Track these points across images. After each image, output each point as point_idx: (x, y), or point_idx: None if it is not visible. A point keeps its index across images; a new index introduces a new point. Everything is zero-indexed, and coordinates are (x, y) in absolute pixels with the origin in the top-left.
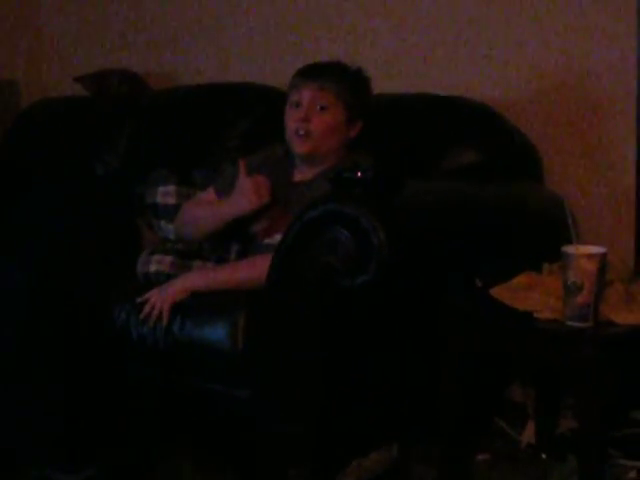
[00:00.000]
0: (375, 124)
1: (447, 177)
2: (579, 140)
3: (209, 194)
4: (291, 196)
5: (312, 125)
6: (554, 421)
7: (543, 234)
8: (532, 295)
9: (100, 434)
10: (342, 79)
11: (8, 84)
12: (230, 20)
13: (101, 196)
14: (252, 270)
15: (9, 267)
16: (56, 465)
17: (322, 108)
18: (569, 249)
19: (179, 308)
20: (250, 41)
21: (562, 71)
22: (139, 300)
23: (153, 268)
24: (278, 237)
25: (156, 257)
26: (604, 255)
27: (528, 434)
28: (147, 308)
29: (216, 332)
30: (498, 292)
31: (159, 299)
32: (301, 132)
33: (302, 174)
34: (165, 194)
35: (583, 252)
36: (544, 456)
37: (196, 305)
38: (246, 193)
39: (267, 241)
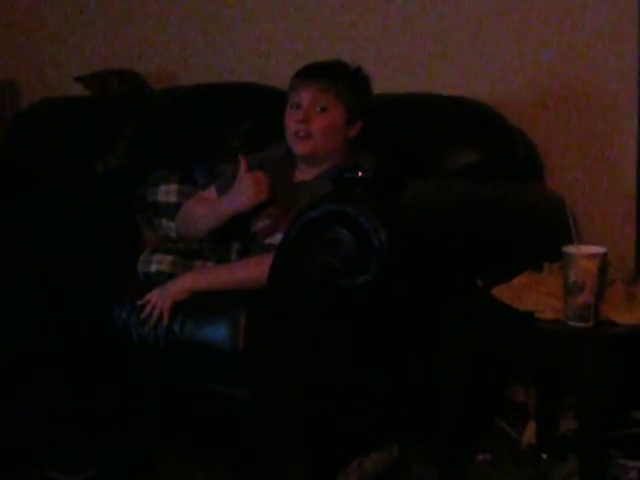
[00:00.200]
0: (376, 124)
1: (448, 177)
2: (580, 140)
3: (210, 193)
4: (292, 196)
5: (312, 126)
6: (555, 421)
7: (544, 234)
8: (533, 295)
9: (100, 434)
10: (341, 79)
11: (8, 84)
12: (231, 20)
13: (101, 195)
14: (253, 270)
15: (9, 267)
16: (56, 465)
17: (322, 109)
18: (570, 249)
19: (180, 308)
20: (251, 41)
21: (563, 71)
22: (140, 303)
23: (154, 268)
24: (279, 237)
25: (157, 257)
26: (605, 255)
27: (529, 434)
28: (148, 308)
29: (217, 332)
30: (499, 292)
31: (160, 299)
32: (301, 133)
33: (303, 174)
34: (166, 193)
35: (584, 252)
36: (545, 456)
37: (197, 305)
38: (245, 189)
39: (268, 241)
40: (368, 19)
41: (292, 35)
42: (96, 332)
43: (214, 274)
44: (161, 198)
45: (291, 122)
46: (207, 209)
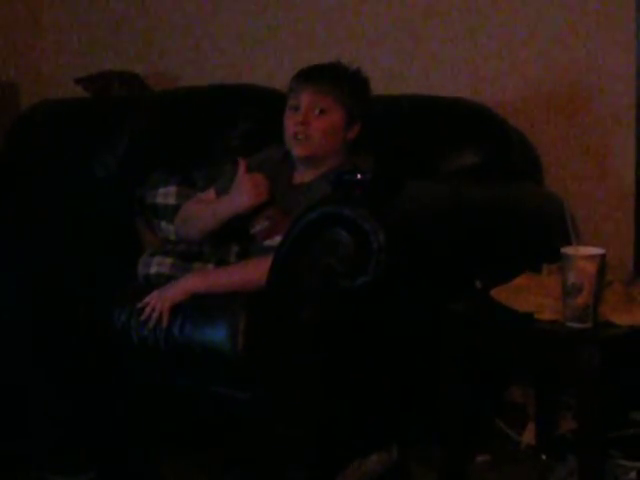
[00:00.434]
0: (374, 126)
1: (447, 178)
2: (578, 141)
3: (209, 194)
4: (291, 198)
5: (311, 129)
6: (554, 422)
7: (542, 235)
8: (532, 296)
9: (101, 436)
10: (340, 82)
11: (8, 85)
12: (230, 21)
13: (101, 197)
14: (252, 272)
15: (9, 269)
16: (56, 468)
17: (321, 111)
18: (569, 250)
19: (179, 310)
20: (250, 42)
21: (561, 72)
22: (139, 305)
23: (154, 270)
24: (278, 239)
25: (157, 259)
26: (603, 256)
27: (528, 435)
28: (147, 310)
29: (216, 334)
30: (498, 293)
31: (159, 301)
32: (300, 136)
33: (302, 176)
34: (166, 195)
35: (583, 253)
36: (544, 457)
37: (196, 307)
38: (244, 191)
39: (267, 243)
40: (367, 21)
41: (291, 37)
42: (96, 334)
43: (213, 276)
44: (160, 200)
45: (290, 124)
46: (206, 211)
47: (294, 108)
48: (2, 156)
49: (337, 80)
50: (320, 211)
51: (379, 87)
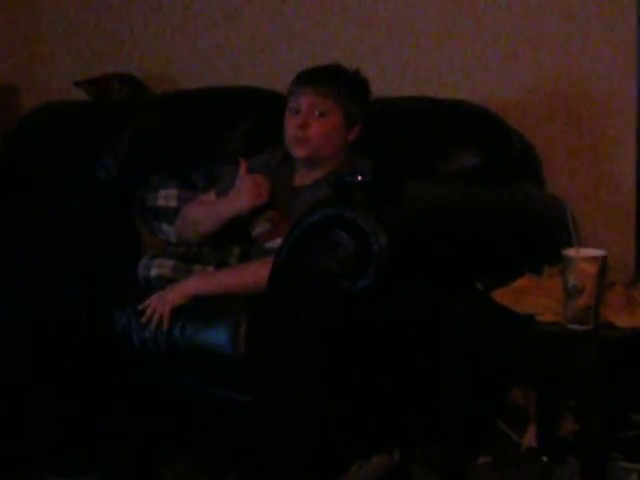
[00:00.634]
0: (375, 127)
1: (447, 180)
2: (579, 143)
3: (210, 197)
4: (292, 200)
5: (311, 131)
6: (555, 424)
7: (543, 237)
8: (533, 298)
9: (102, 438)
10: (340, 84)
11: (9, 89)
12: (230, 24)
13: (101, 200)
14: (253, 274)
15: (11, 272)
16: (56, 469)
17: (320, 114)
18: (570, 252)
19: (180, 312)
20: (251, 45)
21: (562, 74)
22: (140, 307)
23: (154, 272)
24: (279, 241)
25: (157, 261)
26: (604, 258)
27: (529, 437)
28: (148, 312)
29: (217, 336)
30: (499, 295)
31: (160, 303)
32: (300, 138)
33: (302, 178)
34: (166, 197)
35: (584, 255)
36: (545, 459)
37: (197, 309)
38: (244, 192)
39: (268, 245)
40: (367, 23)
41: (292, 39)
42: (97, 336)
43: (214, 278)
44: (161, 203)
45: (290, 127)
46: (206, 212)
47: (294, 111)
48: (2, 159)
49: (337, 82)
50: (321, 213)
51: (379, 89)
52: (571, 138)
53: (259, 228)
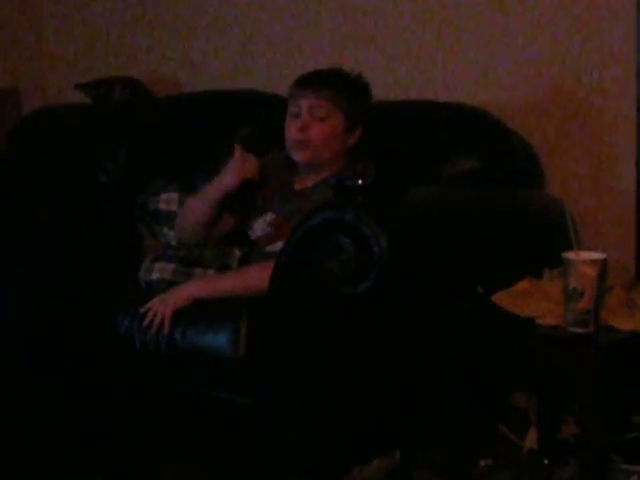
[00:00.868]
0: (376, 131)
1: (448, 183)
2: (579, 146)
3: None
4: (293, 203)
5: (311, 135)
6: (556, 426)
7: (544, 240)
8: (533, 301)
9: (103, 440)
10: (340, 88)
11: (10, 91)
12: (232, 27)
13: (103, 203)
14: (254, 277)
15: (11, 271)
16: (58, 476)
17: (321, 118)
18: (570, 255)
19: (181, 315)
20: (252, 48)
21: (562, 76)
22: (141, 310)
23: (155, 276)
24: (280, 244)
25: (159, 265)
26: (605, 261)
27: (530, 439)
28: (149, 315)
29: (218, 339)
30: (499, 298)
31: (161, 307)
32: (300, 142)
33: (303, 182)
34: (168, 201)
35: (584, 258)
36: (546, 461)
37: (198, 312)
38: (230, 168)
39: (269, 248)
40: (368, 27)
41: (293, 42)
42: (99, 339)
43: (215, 282)
44: (162, 206)
45: (290, 130)
46: (198, 197)
47: (294, 114)
48: (3, 161)
49: (337, 86)
50: (321, 217)
51: (380, 93)
52: (571, 141)
53: (260, 231)
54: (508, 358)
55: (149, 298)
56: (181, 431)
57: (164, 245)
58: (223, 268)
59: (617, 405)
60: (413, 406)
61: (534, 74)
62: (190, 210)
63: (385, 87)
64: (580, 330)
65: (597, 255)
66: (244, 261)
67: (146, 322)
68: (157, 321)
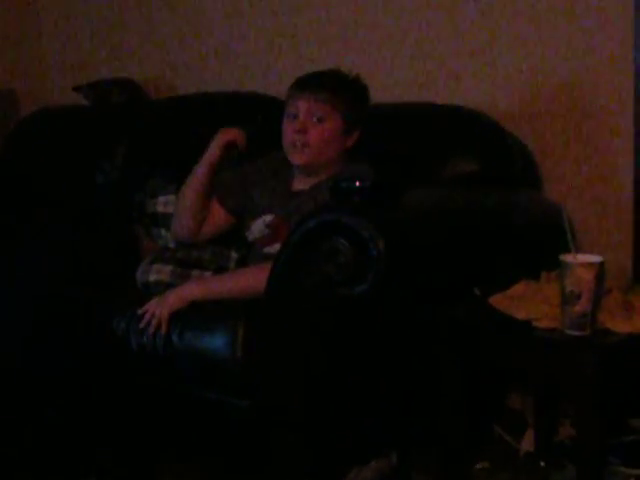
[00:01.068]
0: (374, 133)
1: (445, 186)
2: (577, 149)
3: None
4: (290, 205)
5: (309, 136)
6: (553, 429)
7: (541, 242)
8: (530, 304)
9: (101, 441)
10: (338, 89)
11: (7, 93)
12: (229, 29)
13: (100, 204)
14: (251, 279)
15: (12, 276)
16: (56, 476)
17: (319, 119)
18: (567, 258)
19: (178, 317)
20: (250, 50)
21: (560, 79)
22: (139, 312)
23: (153, 277)
24: (277, 246)
25: (156, 266)
26: (602, 264)
27: (527, 442)
28: (146, 317)
29: (215, 341)
30: (496, 301)
31: (158, 308)
32: (298, 144)
33: (301, 184)
34: (165, 203)
35: (581, 261)
36: (543, 464)
37: (195, 314)
38: (213, 139)
39: (266, 250)
40: (366, 29)
41: (291, 44)
42: (96, 341)
43: (212, 283)
44: (160, 209)
45: (288, 132)
46: (188, 180)
47: (292, 116)
48: (1, 163)
49: (335, 88)
50: (319, 219)
51: (378, 95)
52: (569, 144)
53: (257, 233)
54: (505, 361)
55: (146, 300)
56: (178, 433)
57: (162, 247)
58: (220, 270)
59: (614, 408)
60: (410, 408)
61: (532, 77)
62: (182, 194)
63: (383, 89)
64: (577, 333)
65: (594, 258)
66: (241, 263)
67: (143, 324)
68: (154, 323)
